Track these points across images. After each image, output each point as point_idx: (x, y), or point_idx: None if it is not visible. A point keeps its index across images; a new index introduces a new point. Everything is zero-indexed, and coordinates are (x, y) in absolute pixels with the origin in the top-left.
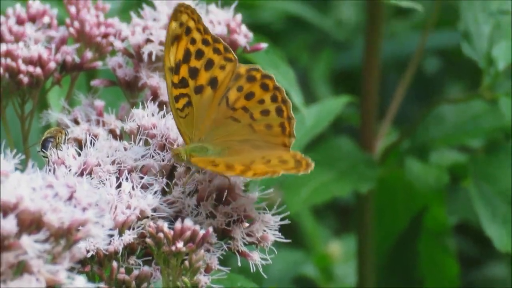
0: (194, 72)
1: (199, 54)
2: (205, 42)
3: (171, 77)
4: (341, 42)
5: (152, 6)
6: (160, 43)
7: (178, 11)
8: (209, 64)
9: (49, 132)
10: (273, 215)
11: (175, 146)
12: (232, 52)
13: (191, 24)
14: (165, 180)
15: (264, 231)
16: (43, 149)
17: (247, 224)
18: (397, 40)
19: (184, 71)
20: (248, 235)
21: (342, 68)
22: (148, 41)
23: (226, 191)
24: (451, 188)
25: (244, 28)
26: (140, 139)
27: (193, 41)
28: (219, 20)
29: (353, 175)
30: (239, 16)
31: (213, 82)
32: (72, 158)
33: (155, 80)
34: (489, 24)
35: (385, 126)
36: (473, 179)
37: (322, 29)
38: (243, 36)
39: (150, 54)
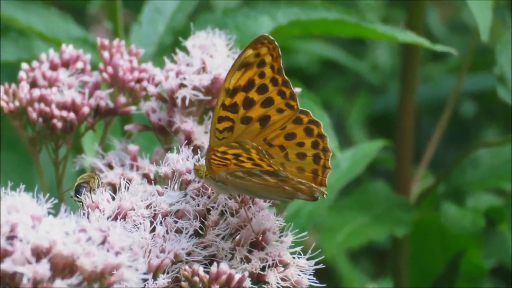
0: (249, 103)
1: (263, 89)
2: (273, 81)
3: (224, 98)
4: (376, 86)
5: (186, 51)
6: (194, 88)
7: (260, 42)
8: (268, 103)
9: (82, 178)
10: (307, 259)
11: (209, 191)
12: (297, 101)
13: (268, 59)
14: (198, 223)
15: (299, 275)
16: (77, 195)
17: (281, 269)
18: (432, 84)
19: (239, 98)
20: (282, 279)
21: (378, 111)
22: (182, 86)
23: (261, 236)
24: (487, 232)
25: None
26: (175, 183)
27: (261, 75)
28: None
29: (388, 219)
30: None
31: (264, 120)
32: (106, 202)
33: (189, 125)
34: None
35: (421, 169)
36: (509, 222)
37: (358, 73)
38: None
39: (183, 99)
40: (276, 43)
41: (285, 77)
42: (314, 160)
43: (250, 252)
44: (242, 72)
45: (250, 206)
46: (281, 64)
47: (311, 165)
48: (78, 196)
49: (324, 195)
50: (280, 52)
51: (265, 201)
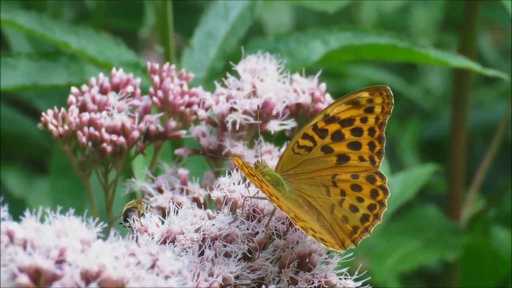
0: (338, 137)
1: (358, 132)
2: (371, 130)
3: (319, 120)
4: (428, 110)
5: (236, 75)
6: (244, 112)
7: (378, 91)
8: (355, 146)
9: (129, 204)
10: (355, 280)
11: (261, 215)
12: (381, 160)
13: (378, 109)
14: (246, 247)
15: None
16: (126, 220)
17: None
18: (484, 109)
19: (332, 128)
20: None
21: (430, 136)
22: (232, 110)
23: (308, 258)
24: None
25: (328, 97)
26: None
27: (364, 120)
28: (303, 89)
29: (439, 243)
30: (323, 85)
31: (343, 159)
32: (155, 226)
33: (239, 149)
34: None
35: (471, 194)
36: None
37: (410, 98)
38: (327, 104)
39: (234, 123)
40: (392, 99)
41: (383, 133)
42: (361, 219)
43: (296, 273)
44: (348, 107)
45: (296, 229)
46: (386, 120)
47: (356, 222)
48: (127, 221)
49: (343, 251)
50: (391, 109)
51: None
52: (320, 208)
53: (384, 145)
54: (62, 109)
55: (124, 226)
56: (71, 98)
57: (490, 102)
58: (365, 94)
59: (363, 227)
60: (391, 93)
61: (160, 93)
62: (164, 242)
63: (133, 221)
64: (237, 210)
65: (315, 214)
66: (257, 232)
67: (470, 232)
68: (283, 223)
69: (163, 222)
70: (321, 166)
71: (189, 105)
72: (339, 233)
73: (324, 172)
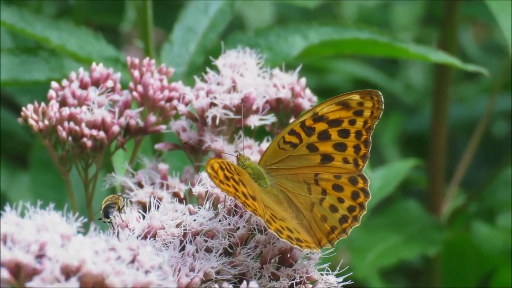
0: (324, 136)
1: (344, 134)
2: (358, 134)
3: (307, 118)
4: (409, 105)
5: (216, 70)
6: (224, 107)
7: (370, 95)
8: (341, 147)
9: (108, 200)
10: (336, 276)
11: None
12: (365, 164)
13: (367, 113)
14: (228, 242)
15: None
16: (107, 216)
17: (310, 286)
18: (465, 104)
19: (320, 127)
20: None
21: (411, 131)
22: (212, 104)
23: (289, 253)
24: None
25: (308, 92)
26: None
27: (352, 122)
28: (283, 84)
29: (420, 238)
30: (303, 80)
31: (326, 159)
32: (135, 221)
33: (220, 144)
34: None
35: (452, 189)
36: None
37: (391, 92)
38: (307, 99)
39: (214, 118)
40: (382, 105)
41: (370, 138)
42: (340, 220)
43: (277, 268)
44: (337, 108)
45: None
46: (374, 124)
47: (335, 222)
48: (108, 217)
49: (319, 251)
50: (380, 114)
51: None
52: (300, 206)
53: (369, 149)
54: (42, 104)
55: (104, 222)
56: (51, 93)
57: (471, 97)
58: (356, 97)
59: (341, 228)
60: (382, 98)
61: (140, 88)
62: (145, 237)
63: (114, 217)
64: (219, 205)
65: (294, 212)
66: (239, 227)
67: (451, 227)
68: None
69: (143, 217)
70: (304, 163)
71: (169, 99)
72: (317, 232)
73: (307, 170)
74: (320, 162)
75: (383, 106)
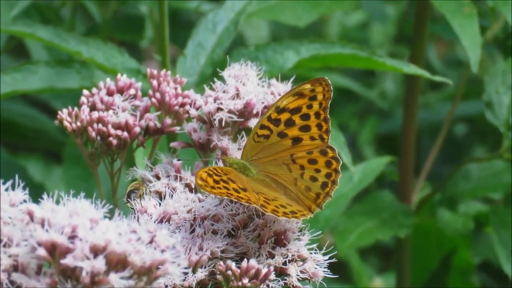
0: (290, 123)
1: (306, 117)
2: (317, 114)
3: (272, 112)
4: (384, 110)
5: (222, 80)
6: (229, 111)
7: (318, 82)
8: (305, 129)
9: (132, 186)
10: (323, 254)
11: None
12: (329, 136)
13: (320, 96)
14: (230, 225)
15: (315, 268)
16: (128, 199)
17: (300, 263)
18: (431, 109)
19: (284, 116)
20: (301, 272)
21: (385, 132)
22: (219, 109)
23: (283, 235)
24: (475, 233)
25: None
26: None
27: (309, 106)
28: (279, 92)
29: (393, 223)
30: None
31: (297, 141)
32: (153, 208)
33: (225, 142)
34: (509, 95)
35: (420, 181)
36: (494, 226)
37: (368, 100)
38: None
39: (220, 120)
40: (331, 87)
41: (327, 115)
42: (321, 186)
43: (273, 248)
44: (295, 99)
45: None
46: (328, 104)
47: (318, 189)
48: (129, 200)
49: (311, 215)
50: (331, 95)
51: None
52: (285, 183)
53: (329, 124)
54: (75, 108)
55: (125, 203)
56: (83, 99)
57: (436, 104)
58: (308, 86)
59: (324, 192)
60: (329, 82)
61: (158, 95)
62: (161, 221)
63: (135, 203)
64: None
65: (282, 189)
66: (239, 213)
67: (419, 214)
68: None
69: (160, 204)
70: (279, 149)
71: (182, 105)
72: (305, 201)
73: (283, 153)
74: (292, 145)
75: (331, 88)
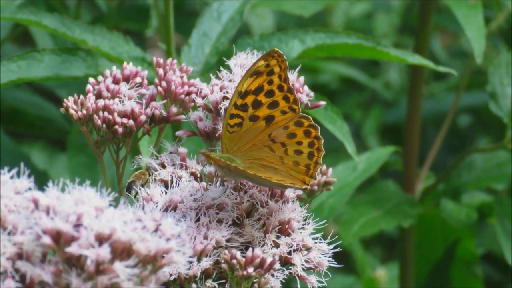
0: (257, 104)
1: (270, 93)
2: (280, 87)
3: (236, 99)
4: (388, 100)
5: (228, 69)
6: None
7: (271, 55)
8: (274, 105)
9: (133, 176)
10: (327, 244)
11: (246, 187)
12: (299, 105)
13: (276, 69)
14: (235, 214)
15: (320, 258)
16: (128, 190)
17: (305, 252)
18: (435, 100)
19: (249, 99)
20: (306, 261)
21: (389, 122)
22: (225, 98)
23: (287, 225)
24: (479, 224)
25: (306, 88)
26: (217, 180)
27: (270, 82)
28: None
29: (397, 213)
30: (302, 78)
31: (269, 119)
32: (159, 196)
33: None
34: None
35: (424, 171)
36: (497, 216)
37: (373, 90)
38: (306, 95)
39: (226, 109)
40: (284, 56)
41: (290, 85)
42: (308, 157)
43: (278, 237)
44: (253, 79)
45: (277, 199)
46: (287, 74)
47: (305, 161)
48: (129, 191)
49: (308, 187)
50: (287, 64)
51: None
52: (273, 165)
53: (295, 94)
54: (81, 96)
55: (126, 195)
56: (89, 87)
57: (440, 94)
58: (261, 62)
59: (313, 162)
60: (281, 52)
61: (163, 83)
62: (166, 209)
63: (138, 190)
64: (225, 183)
65: (272, 170)
66: (243, 202)
67: (423, 204)
68: (265, 194)
69: (166, 193)
70: (256, 133)
71: (188, 94)
72: (298, 176)
73: (260, 136)
74: (266, 125)
75: (285, 57)
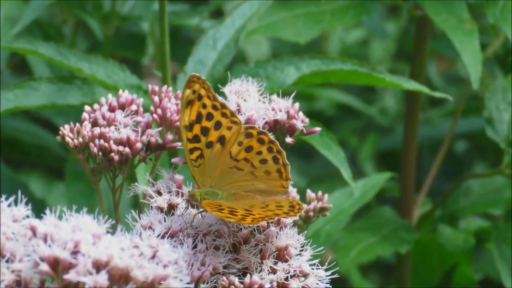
0: (205, 131)
1: (209, 116)
2: (214, 107)
3: (186, 133)
4: (384, 127)
5: (224, 96)
6: None
7: (191, 81)
8: (218, 125)
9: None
10: (325, 270)
11: None
12: (237, 116)
13: (202, 92)
14: (232, 241)
15: (317, 284)
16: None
17: (302, 278)
18: (431, 126)
19: (196, 129)
20: (303, 287)
21: (385, 149)
22: None
23: (285, 251)
24: (476, 249)
25: (301, 114)
26: None
27: (204, 106)
28: (280, 108)
29: (394, 239)
30: (297, 104)
31: (221, 140)
32: (158, 223)
33: None
34: (509, 112)
35: (421, 197)
36: (495, 242)
37: (369, 116)
38: (301, 121)
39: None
40: (203, 78)
41: (220, 101)
42: (274, 162)
43: (275, 263)
44: (190, 109)
45: (274, 225)
46: (213, 92)
47: (274, 167)
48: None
49: (300, 211)
50: (209, 84)
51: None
52: (248, 182)
53: (230, 108)
54: (77, 124)
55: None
56: (85, 115)
57: (436, 120)
58: (188, 91)
59: (281, 165)
60: (196, 74)
61: (159, 111)
62: (163, 236)
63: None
64: None
65: (253, 191)
66: (241, 229)
67: (420, 229)
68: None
69: (165, 220)
70: (217, 158)
71: None
72: (275, 183)
73: (222, 159)
74: (222, 146)
75: (203, 78)
